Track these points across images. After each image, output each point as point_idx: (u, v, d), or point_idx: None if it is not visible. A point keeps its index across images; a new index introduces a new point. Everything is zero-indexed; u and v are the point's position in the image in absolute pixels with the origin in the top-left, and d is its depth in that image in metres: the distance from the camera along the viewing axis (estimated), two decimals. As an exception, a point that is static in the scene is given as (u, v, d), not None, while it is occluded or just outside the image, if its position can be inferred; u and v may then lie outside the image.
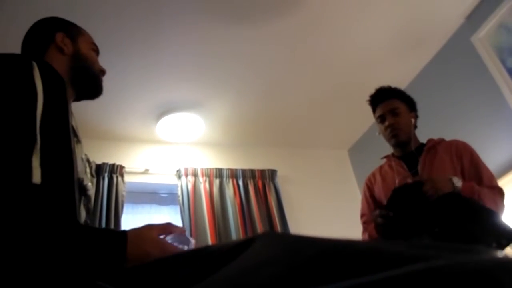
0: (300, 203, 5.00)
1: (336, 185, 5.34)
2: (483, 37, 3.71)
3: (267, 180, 4.98)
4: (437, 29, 4.05)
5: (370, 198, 2.79)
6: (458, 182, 2.24)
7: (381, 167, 2.83)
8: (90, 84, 1.70)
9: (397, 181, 2.56)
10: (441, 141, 2.70)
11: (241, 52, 4.01)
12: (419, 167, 2.54)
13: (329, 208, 4.91)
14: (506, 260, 0.41)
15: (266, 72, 4.31)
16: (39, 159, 1.07)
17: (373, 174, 2.86)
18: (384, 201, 2.59)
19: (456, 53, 4.09)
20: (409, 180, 2.52)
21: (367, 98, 2.89)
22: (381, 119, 2.75)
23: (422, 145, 2.70)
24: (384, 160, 2.85)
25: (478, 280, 0.38)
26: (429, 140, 2.71)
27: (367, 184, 2.86)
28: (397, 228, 2.28)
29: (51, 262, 0.94)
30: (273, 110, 4.89)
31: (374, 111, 2.83)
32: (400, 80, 4.48)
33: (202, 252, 0.77)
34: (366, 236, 2.65)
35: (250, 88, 4.49)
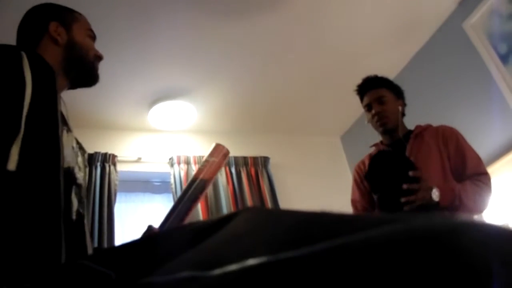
0: (293, 190, 5.01)
1: (329, 171, 5.36)
2: (475, 23, 3.71)
3: (260, 167, 4.99)
4: (428, 15, 4.05)
5: (362, 184, 2.82)
6: (436, 195, 2.26)
7: (370, 155, 2.85)
8: (85, 72, 1.69)
9: None
10: (428, 127, 2.73)
11: (233, 40, 4.00)
12: (407, 154, 2.57)
13: (322, 195, 4.92)
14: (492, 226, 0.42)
15: (258, 59, 4.31)
16: (20, 147, 1.08)
17: (363, 162, 2.89)
18: None
19: (448, 39, 4.09)
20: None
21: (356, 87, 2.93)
22: (368, 107, 2.79)
23: (410, 132, 2.73)
24: (373, 148, 2.88)
25: (458, 239, 0.39)
26: (417, 127, 2.74)
27: (356, 171, 2.90)
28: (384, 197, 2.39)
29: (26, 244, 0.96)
30: (265, 97, 4.89)
31: (361, 100, 2.87)
32: (392, 66, 4.49)
33: (186, 228, 0.78)
34: None
35: (242, 75, 4.49)
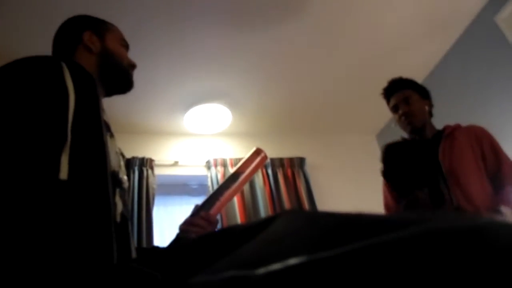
0: (329, 190, 5.00)
1: (365, 170, 5.30)
2: (507, 17, 3.66)
3: (296, 168, 4.99)
4: (460, 10, 4.00)
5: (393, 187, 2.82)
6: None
7: None
8: (119, 79, 1.72)
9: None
10: (458, 126, 2.75)
11: (266, 43, 4.02)
12: (440, 155, 2.59)
13: (358, 194, 4.90)
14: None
15: (291, 60, 4.32)
16: (69, 156, 1.11)
17: None
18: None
19: (480, 34, 4.03)
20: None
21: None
22: (395, 108, 2.82)
23: (439, 132, 2.76)
24: None
25: (477, 237, 0.40)
26: (446, 127, 2.76)
27: None
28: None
29: (75, 251, 0.99)
30: (299, 98, 4.90)
31: (388, 102, 2.91)
32: (425, 63, 4.47)
33: (228, 231, 0.81)
34: None
35: (276, 76, 4.50)
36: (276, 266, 0.47)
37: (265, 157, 1.90)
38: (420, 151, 2.61)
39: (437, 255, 0.39)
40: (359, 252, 0.44)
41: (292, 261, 0.46)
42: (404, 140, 2.77)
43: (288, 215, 0.65)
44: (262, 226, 0.65)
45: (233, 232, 0.75)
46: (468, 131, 2.67)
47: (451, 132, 2.69)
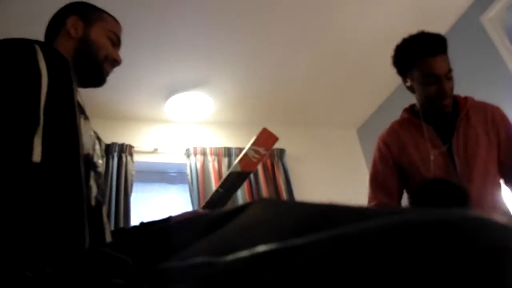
0: (308, 183, 5.02)
1: (345, 164, 5.36)
2: (493, 17, 3.68)
3: (276, 159, 5.00)
4: (446, 9, 4.02)
5: (391, 159, 2.42)
6: None
7: (400, 126, 2.48)
8: (91, 70, 1.66)
9: (432, 157, 2.26)
10: (471, 102, 2.36)
11: (250, 31, 4.01)
12: (454, 141, 2.25)
13: (337, 187, 4.93)
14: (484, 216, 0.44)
15: (275, 51, 4.31)
16: (41, 138, 1.11)
17: (389, 135, 2.50)
18: (415, 167, 2.33)
19: (465, 33, 4.05)
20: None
21: (391, 60, 2.56)
22: (435, 79, 2.22)
23: (454, 107, 2.35)
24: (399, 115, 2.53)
25: (454, 230, 0.41)
26: (460, 103, 2.36)
27: (385, 144, 2.48)
28: None
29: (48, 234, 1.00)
30: (282, 89, 4.90)
31: (415, 60, 2.33)
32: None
33: (201, 218, 0.81)
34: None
35: (259, 67, 4.50)
36: (244, 253, 0.48)
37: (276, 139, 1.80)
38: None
39: (408, 247, 0.40)
40: (323, 242, 0.44)
41: (260, 248, 0.47)
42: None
43: (260, 204, 0.65)
44: (234, 213, 0.66)
45: (206, 219, 0.75)
46: (485, 112, 2.32)
47: (466, 112, 2.30)
